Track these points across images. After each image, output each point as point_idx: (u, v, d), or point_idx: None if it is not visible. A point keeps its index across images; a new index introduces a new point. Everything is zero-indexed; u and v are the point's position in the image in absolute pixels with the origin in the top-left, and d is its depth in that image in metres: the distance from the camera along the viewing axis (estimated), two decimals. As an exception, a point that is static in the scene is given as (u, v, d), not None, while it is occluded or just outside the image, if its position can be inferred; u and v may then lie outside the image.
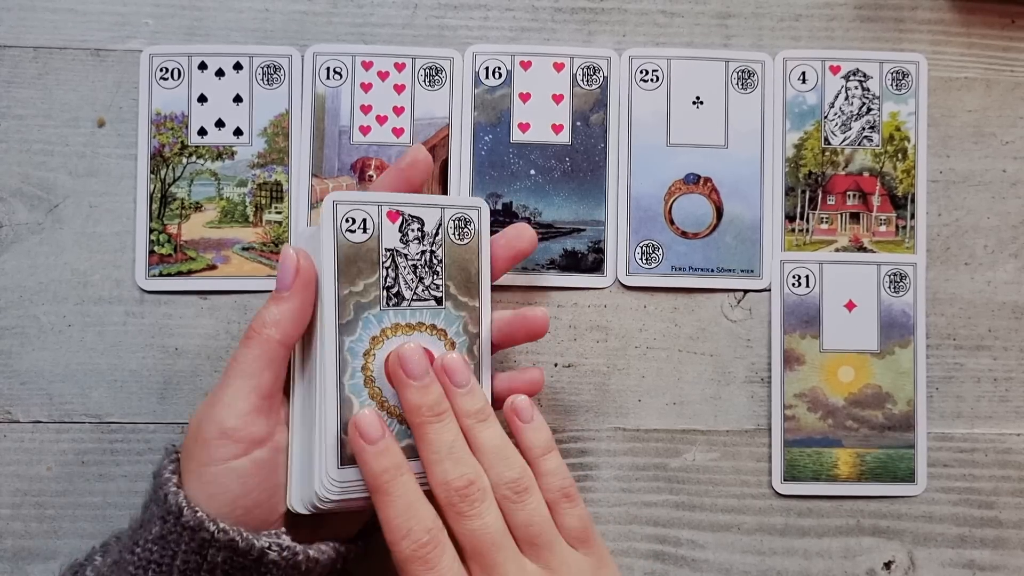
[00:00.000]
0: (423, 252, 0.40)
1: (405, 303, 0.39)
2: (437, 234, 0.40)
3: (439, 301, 0.40)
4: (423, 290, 0.40)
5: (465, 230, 0.41)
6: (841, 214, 0.48)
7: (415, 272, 0.40)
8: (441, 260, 0.40)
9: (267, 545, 0.36)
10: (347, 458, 0.38)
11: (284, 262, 0.38)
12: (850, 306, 0.47)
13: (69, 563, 0.39)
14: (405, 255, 0.39)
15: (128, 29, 0.47)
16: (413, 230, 0.40)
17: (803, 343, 0.47)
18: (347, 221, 0.38)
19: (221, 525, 0.35)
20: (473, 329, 0.41)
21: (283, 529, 0.37)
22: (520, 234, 0.42)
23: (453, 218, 0.40)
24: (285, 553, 0.36)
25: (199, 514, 0.35)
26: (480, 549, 0.36)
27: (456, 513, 0.36)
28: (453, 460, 0.37)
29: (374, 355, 0.39)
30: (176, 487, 0.36)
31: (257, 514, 0.37)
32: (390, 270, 0.39)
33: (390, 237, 0.39)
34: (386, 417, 0.38)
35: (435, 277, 0.40)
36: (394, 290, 0.39)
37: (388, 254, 0.39)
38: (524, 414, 0.40)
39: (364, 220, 0.39)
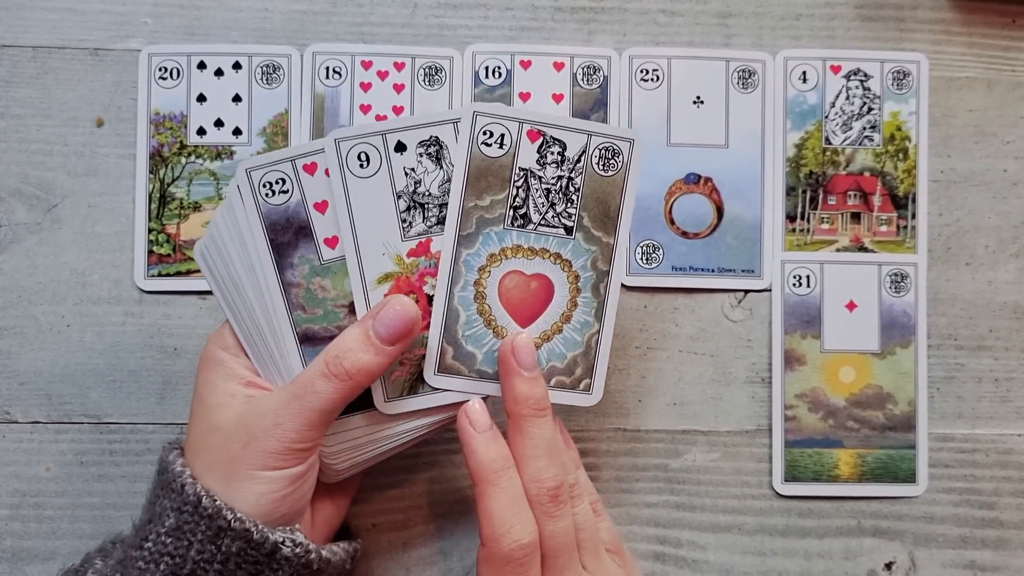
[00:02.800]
0: (559, 177, 0.38)
1: (531, 226, 0.38)
2: (579, 161, 0.38)
3: (569, 231, 0.39)
4: (553, 216, 0.38)
5: (611, 161, 0.39)
6: (842, 214, 0.48)
7: (547, 196, 0.38)
8: (579, 188, 0.38)
9: (281, 540, 0.36)
10: (445, 367, 0.38)
11: (401, 315, 0.36)
12: (851, 306, 0.47)
13: (63, 569, 0.39)
14: (539, 177, 0.38)
15: (127, 28, 0.47)
16: (553, 153, 0.38)
17: (804, 343, 0.47)
18: (484, 134, 0.38)
19: (238, 515, 0.35)
20: (603, 267, 0.39)
21: (298, 526, 0.37)
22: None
23: (600, 147, 0.38)
24: (298, 550, 0.36)
25: (217, 502, 0.35)
26: (557, 551, 0.36)
27: (543, 512, 0.36)
28: (549, 458, 0.37)
29: (490, 272, 0.38)
30: (192, 478, 0.36)
31: (292, 509, 0.37)
32: (521, 190, 0.38)
33: (526, 156, 0.38)
34: (491, 336, 0.38)
35: (569, 205, 0.38)
36: (521, 211, 0.38)
37: (521, 174, 0.38)
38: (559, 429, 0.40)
39: (502, 135, 0.38)
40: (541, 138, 0.38)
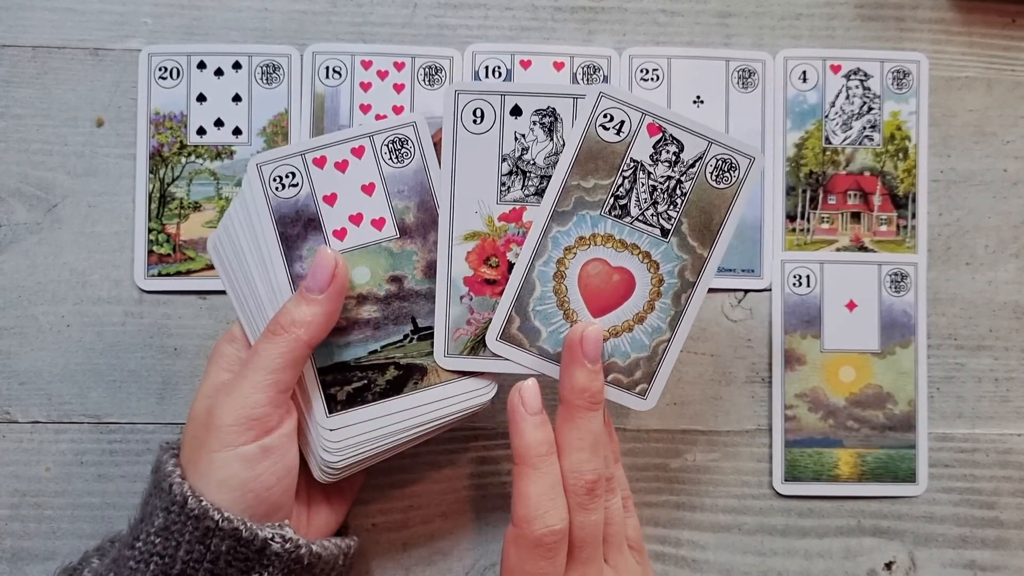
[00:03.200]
0: (669, 177, 0.38)
1: (628, 219, 0.38)
2: (692, 166, 0.38)
3: (665, 232, 0.38)
4: (653, 215, 0.38)
5: (727, 174, 0.38)
6: (842, 214, 0.48)
7: (652, 194, 0.38)
8: (686, 193, 0.38)
9: (270, 536, 0.35)
10: (508, 335, 0.38)
11: (321, 264, 0.37)
12: (851, 306, 0.47)
13: (62, 567, 0.39)
14: (649, 172, 0.38)
15: (127, 28, 0.47)
16: (668, 151, 0.38)
17: (804, 343, 0.47)
18: (605, 116, 0.38)
19: (225, 514, 0.35)
20: (690, 278, 0.39)
21: (287, 522, 0.37)
22: None
23: (717, 156, 0.38)
24: (288, 545, 0.36)
25: (203, 503, 0.35)
26: (584, 542, 0.36)
27: (576, 503, 0.36)
28: (592, 452, 0.37)
29: (575, 253, 0.38)
30: (181, 478, 0.36)
31: (268, 499, 0.37)
32: (627, 180, 0.38)
33: (641, 149, 0.38)
34: (561, 317, 0.38)
35: (671, 207, 0.38)
36: (622, 201, 0.38)
37: (632, 164, 0.38)
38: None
39: (622, 122, 0.38)
40: (660, 134, 0.38)
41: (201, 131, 0.47)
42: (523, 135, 0.39)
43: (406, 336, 0.39)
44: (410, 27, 0.47)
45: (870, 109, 0.48)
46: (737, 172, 0.38)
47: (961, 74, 0.48)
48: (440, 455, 0.47)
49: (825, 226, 0.48)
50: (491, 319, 0.39)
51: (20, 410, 0.46)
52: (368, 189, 0.39)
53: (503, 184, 0.39)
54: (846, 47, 0.48)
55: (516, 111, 0.38)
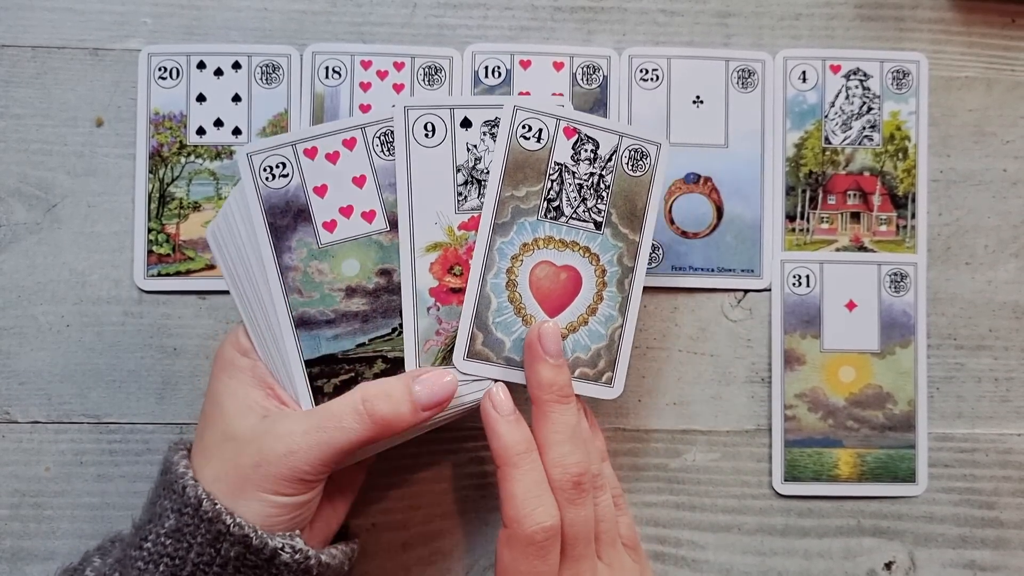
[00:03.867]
0: (592, 174, 0.40)
1: (563, 219, 0.40)
2: (610, 160, 0.40)
3: (598, 225, 0.40)
4: (584, 211, 0.40)
5: (640, 162, 0.40)
6: (842, 214, 0.48)
7: (579, 192, 0.40)
8: (609, 186, 0.40)
9: (280, 546, 0.35)
10: (474, 353, 0.39)
11: (442, 388, 0.37)
12: (851, 306, 0.47)
13: (63, 567, 0.39)
14: (573, 172, 0.40)
15: (127, 28, 0.47)
16: (586, 150, 0.40)
17: (803, 343, 0.47)
18: (523, 127, 0.39)
19: (237, 519, 0.35)
20: (628, 263, 0.41)
21: (298, 532, 0.37)
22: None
23: (629, 148, 0.40)
24: (297, 556, 0.36)
25: (218, 506, 0.35)
26: (576, 539, 0.36)
27: (565, 499, 0.36)
28: (573, 444, 0.37)
29: (522, 260, 0.39)
30: (194, 480, 0.36)
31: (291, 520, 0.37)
32: (555, 183, 0.40)
33: (562, 152, 0.40)
34: (520, 324, 0.39)
35: (599, 201, 0.40)
36: (555, 203, 0.40)
37: (556, 168, 0.40)
38: (588, 419, 0.41)
39: (540, 130, 0.39)
40: (576, 135, 0.40)
41: (201, 131, 0.47)
42: (475, 145, 0.40)
43: (394, 330, 0.39)
44: (410, 27, 0.47)
45: (870, 109, 0.48)
46: (649, 159, 0.41)
47: (961, 74, 0.48)
48: (440, 455, 0.47)
49: (825, 226, 0.48)
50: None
51: (20, 410, 0.46)
52: (359, 181, 0.39)
53: (460, 194, 0.40)
54: (846, 47, 0.48)
55: (466, 123, 0.40)
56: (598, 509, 0.38)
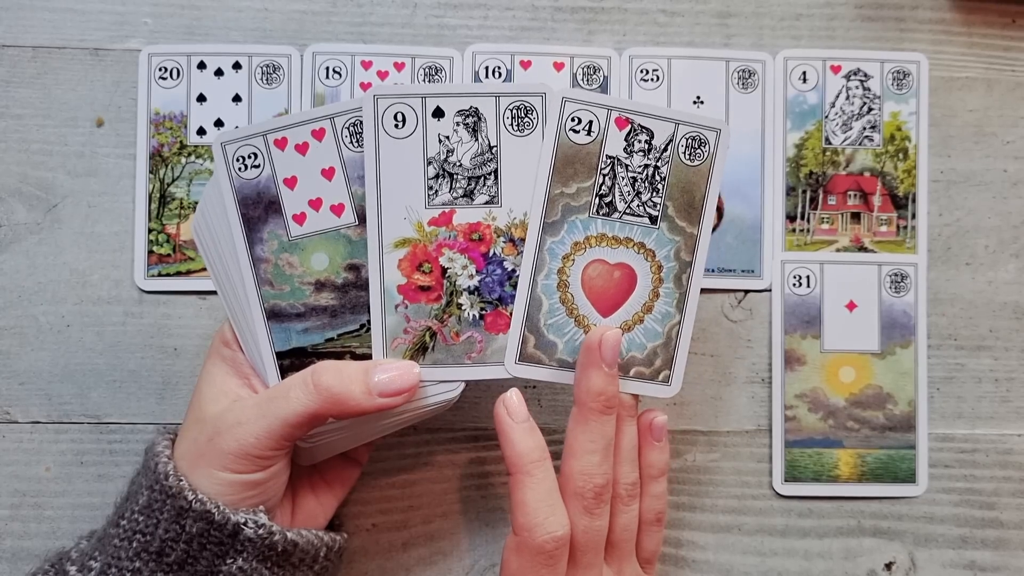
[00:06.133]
0: (646, 166, 0.38)
1: (616, 215, 0.38)
2: (665, 150, 0.38)
3: (653, 220, 0.39)
4: (638, 205, 0.38)
5: (698, 151, 0.38)
6: (842, 214, 0.48)
7: (633, 185, 0.38)
8: (664, 178, 0.38)
9: (243, 521, 0.35)
10: (526, 356, 0.38)
11: (404, 381, 0.36)
12: (851, 306, 0.47)
13: (57, 551, 0.39)
14: (626, 165, 0.38)
15: (127, 28, 0.47)
16: (640, 141, 0.38)
17: (804, 343, 0.47)
18: (572, 120, 0.37)
19: (199, 496, 0.35)
20: (686, 257, 0.39)
21: (262, 508, 0.36)
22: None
23: (687, 136, 0.38)
24: (261, 531, 0.35)
25: (181, 482, 0.35)
26: (586, 547, 0.36)
27: (583, 507, 0.36)
28: (603, 456, 0.37)
29: (573, 260, 0.38)
30: (167, 458, 0.36)
31: (256, 496, 0.37)
32: (607, 178, 0.38)
33: (614, 144, 0.38)
34: (572, 325, 0.38)
35: (654, 194, 0.38)
36: (607, 199, 0.38)
37: (608, 161, 0.38)
38: (658, 433, 0.40)
39: (591, 122, 0.38)
40: (629, 126, 0.38)
41: (201, 131, 0.47)
42: (447, 137, 0.38)
43: (363, 326, 0.39)
44: (410, 27, 0.47)
45: (870, 109, 0.48)
46: (708, 147, 0.39)
47: (961, 74, 0.48)
48: (440, 455, 0.47)
49: (825, 226, 0.48)
50: (429, 327, 0.38)
51: (20, 410, 0.46)
52: (328, 173, 0.38)
53: (430, 188, 0.38)
54: (846, 47, 0.48)
55: (438, 113, 0.38)
56: (623, 519, 0.38)
